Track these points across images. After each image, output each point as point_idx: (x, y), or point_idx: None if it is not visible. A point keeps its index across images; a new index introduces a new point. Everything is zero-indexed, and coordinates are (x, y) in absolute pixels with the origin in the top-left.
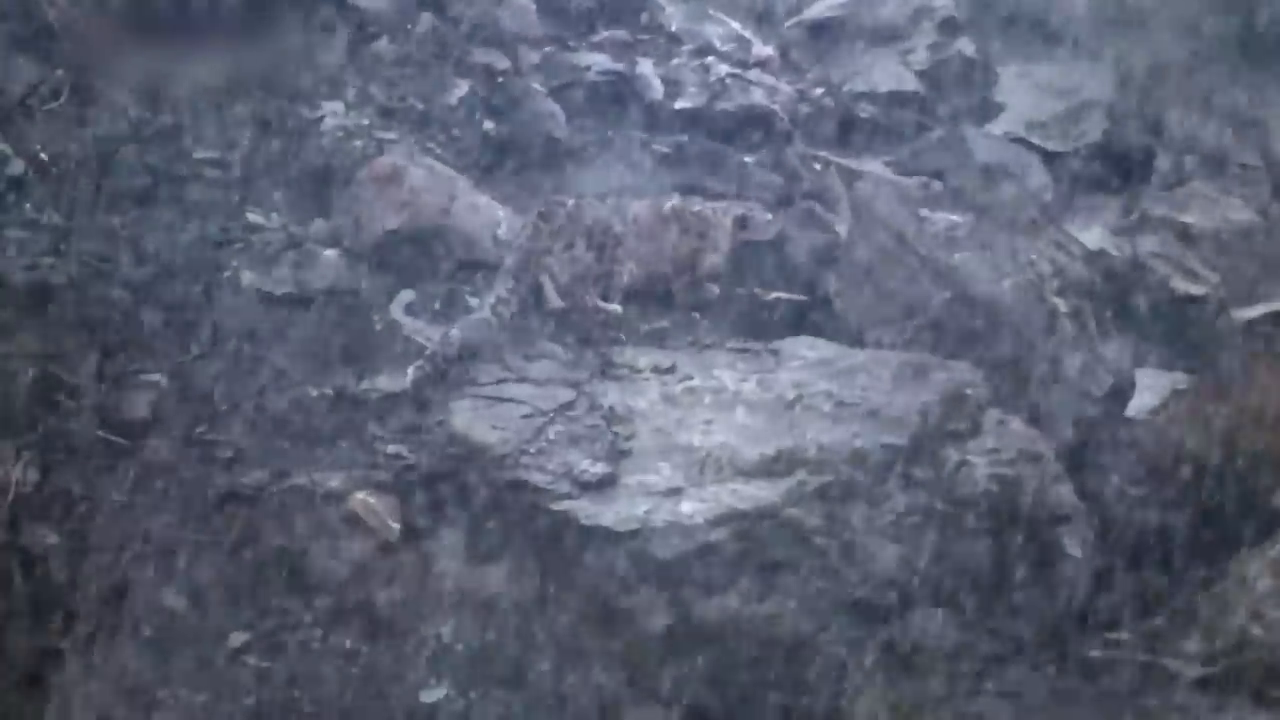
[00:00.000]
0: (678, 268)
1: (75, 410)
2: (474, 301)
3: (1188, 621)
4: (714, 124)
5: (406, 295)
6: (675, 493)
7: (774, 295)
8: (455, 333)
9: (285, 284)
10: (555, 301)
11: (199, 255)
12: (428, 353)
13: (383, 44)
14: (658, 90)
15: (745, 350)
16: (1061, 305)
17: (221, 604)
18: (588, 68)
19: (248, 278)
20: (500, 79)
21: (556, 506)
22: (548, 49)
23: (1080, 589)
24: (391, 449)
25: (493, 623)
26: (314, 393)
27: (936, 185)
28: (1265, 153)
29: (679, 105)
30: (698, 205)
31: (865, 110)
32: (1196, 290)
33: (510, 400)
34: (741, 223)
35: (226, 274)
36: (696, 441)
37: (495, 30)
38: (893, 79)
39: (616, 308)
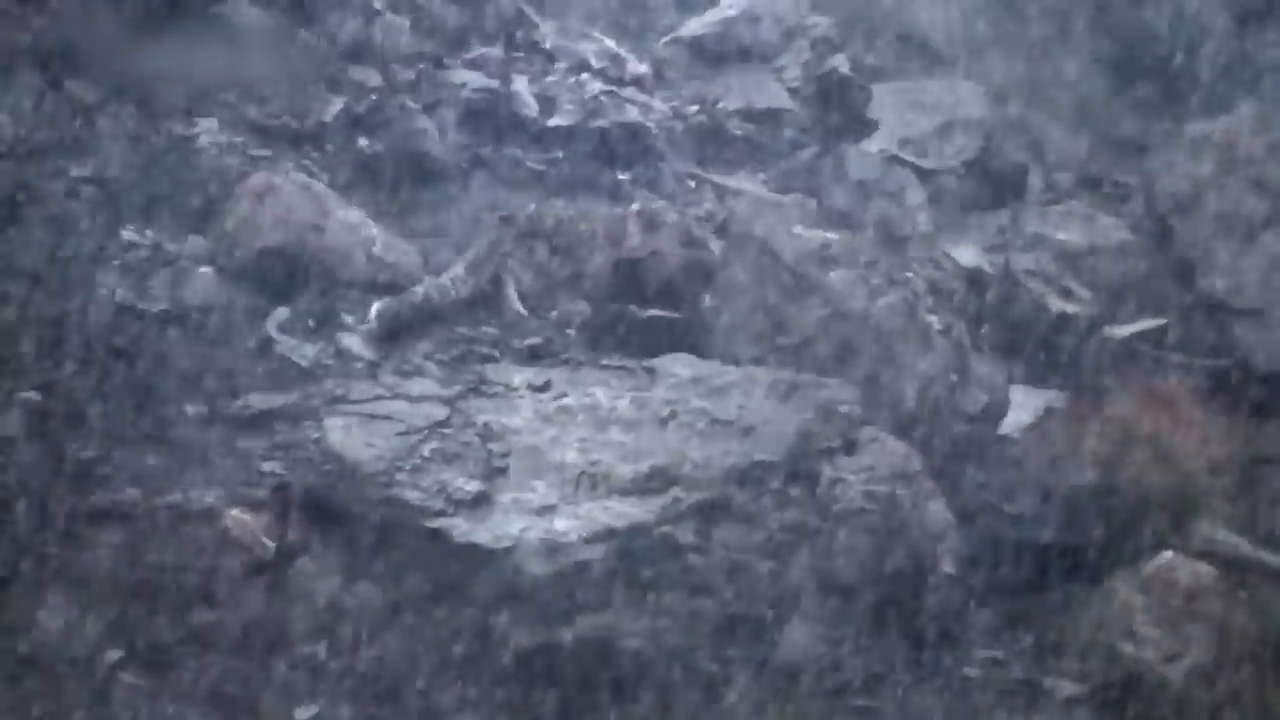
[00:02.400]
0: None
1: None
2: (349, 319)
3: (1062, 639)
4: (588, 141)
5: (281, 312)
6: (549, 510)
7: (649, 313)
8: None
9: (160, 301)
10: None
11: (73, 272)
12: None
13: (257, 61)
14: (532, 107)
15: (620, 368)
16: (936, 323)
17: (96, 621)
18: (462, 85)
19: (122, 295)
20: (374, 96)
21: (430, 524)
22: (421, 66)
23: (955, 606)
24: (266, 466)
25: (367, 640)
26: (188, 410)
27: (811, 203)
28: (1141, 171)
29: (553, 122)
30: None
31: (740, 128)
32: (1071, 308)
33: (385, 417)
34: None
35: (101, 291)
36: (571, 459)
37: (369, 47)
38: (767, 96)
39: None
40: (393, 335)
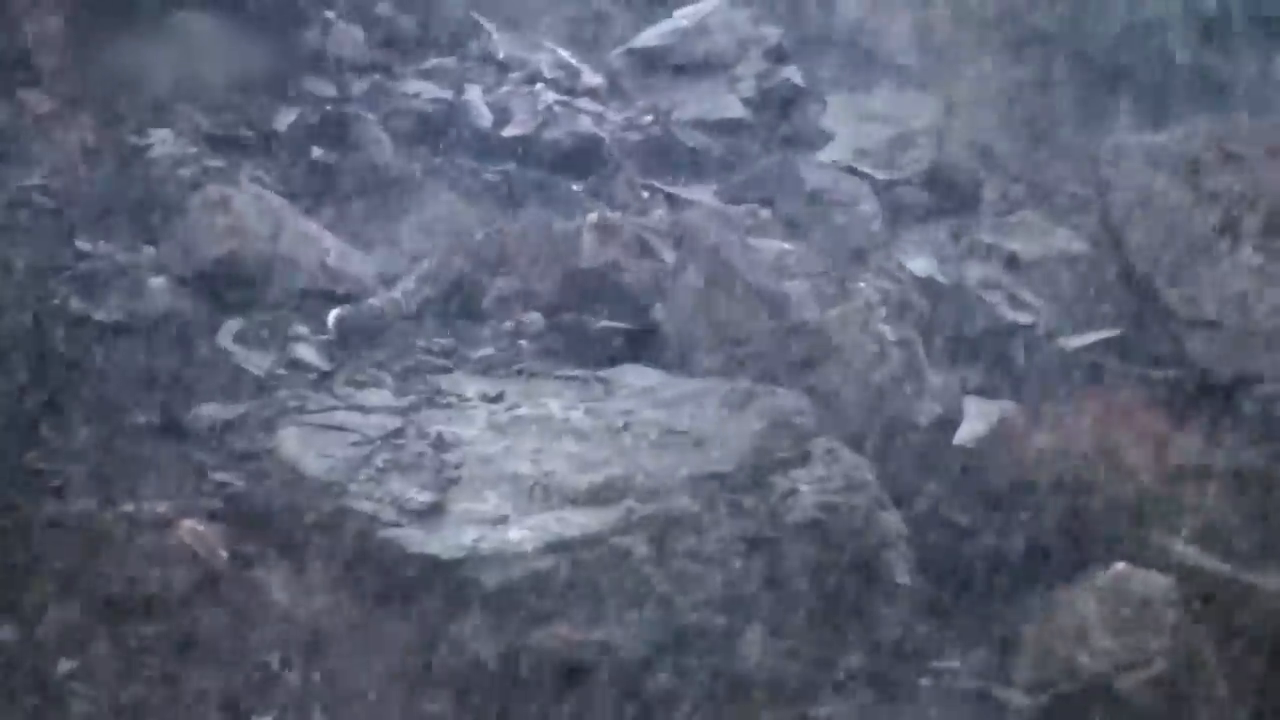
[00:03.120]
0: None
1: None
2: (302, 329)
3: (1016, 650)
4: (542, 151)
5: (234, 323)
6: (503, 521)
7: (602, 323)
8: (375, 301)
9: (114, 312)
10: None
11: (27, 283)
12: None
13: (211, 71)
14: (486, 118)
15: (573, 378)
16: (889, 333)
17: (49, 632)
18: (416, 95)
19: (76, 305)
20: (328, 106)
21: (384, 534)
22: (376, 76)
23: (908, 617)
24: (220, 477)
25: (321, 651)
26: (142, 420)
27: (765, 213)
28: (1094, 181)
29: (507, 133)
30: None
31: (693, 138)
32: (1024, 318)
33: (338, 428)
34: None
35: (55, 302)
36: (524, 470)
37: (323, 57)
38: (721, 107)
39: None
40: (349, 344)
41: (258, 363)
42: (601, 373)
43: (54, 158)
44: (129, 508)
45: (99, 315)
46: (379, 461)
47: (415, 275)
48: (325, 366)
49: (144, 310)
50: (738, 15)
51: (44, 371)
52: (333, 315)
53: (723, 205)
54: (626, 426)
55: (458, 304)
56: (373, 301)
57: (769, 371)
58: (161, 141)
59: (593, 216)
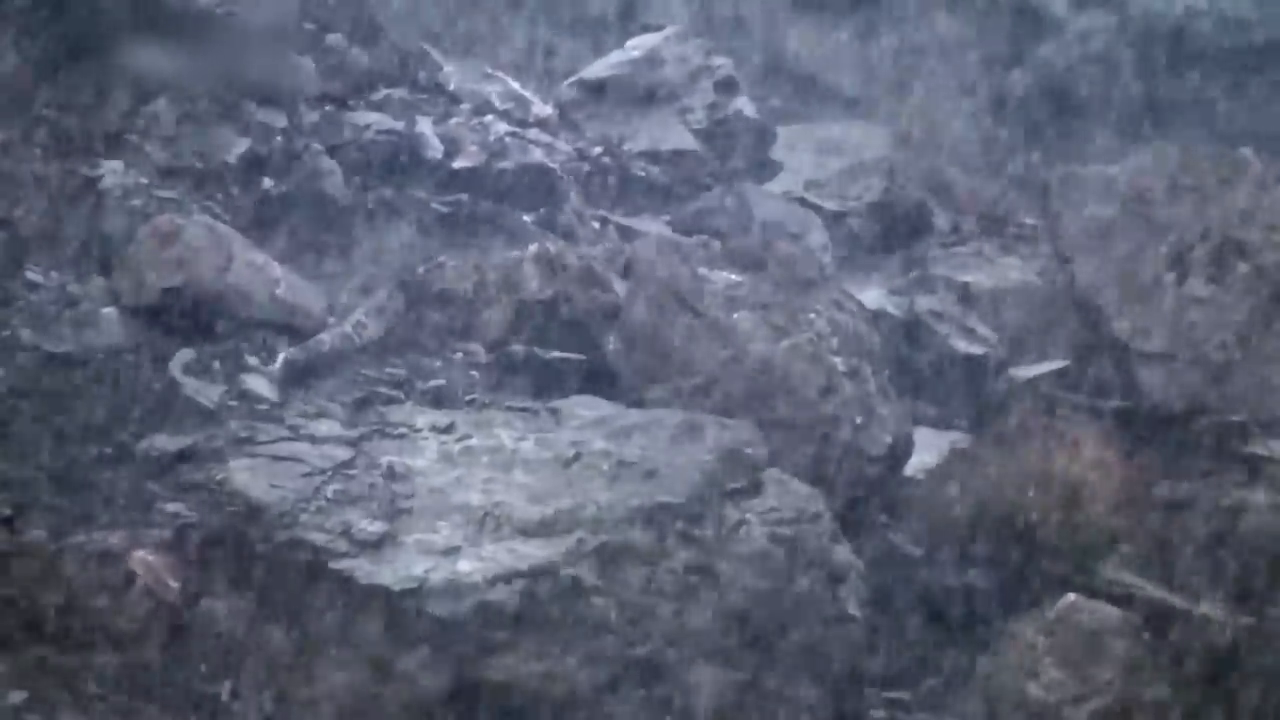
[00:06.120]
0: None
1: None
2: (253, 360)
3: (967, 682)
4: (493, 182)
5: (185, 354)
6: (453, 551)
7: (553, 354)
8: (324, 337)
9: (64, 342)
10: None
11: None
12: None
13: (162, 103)
14: (436, 149)
15: (524, 409)
16: (840, 364)
17: (0, 663)
18: (366, 126)
19: (26, 336)
20: (279, 137)
21: (335, 565)
22: (327, 108)
23: (860, 649)
24: (171, 507)
25: (271, 681)
26: (93, 451)
27: (715, 244)
28: (1045, 212)
29: (458, 164)
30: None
31: (644, 169)
32: (975, 350)
33: (289, 458)
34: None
35: (5, 333)
36: (475, 500)
37: (274, 88)
38: (672, 138)
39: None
40: (298, 382)
41: (208, 394)
42: (552, 404)
43: (4, 188)
44: (80, 538)
45: (49, 346)
46: (330, 492)
47: (364, 309)
48: (276, 398)
49: (95, 341)
50: (689, 47)
51: None
52: (280, 359)
53: (674, 236)
54: (577, 457)
55: (404, 336)
56: (322, 337)
57: (720, 403)
58: (112, 172)
59: (533, 248)
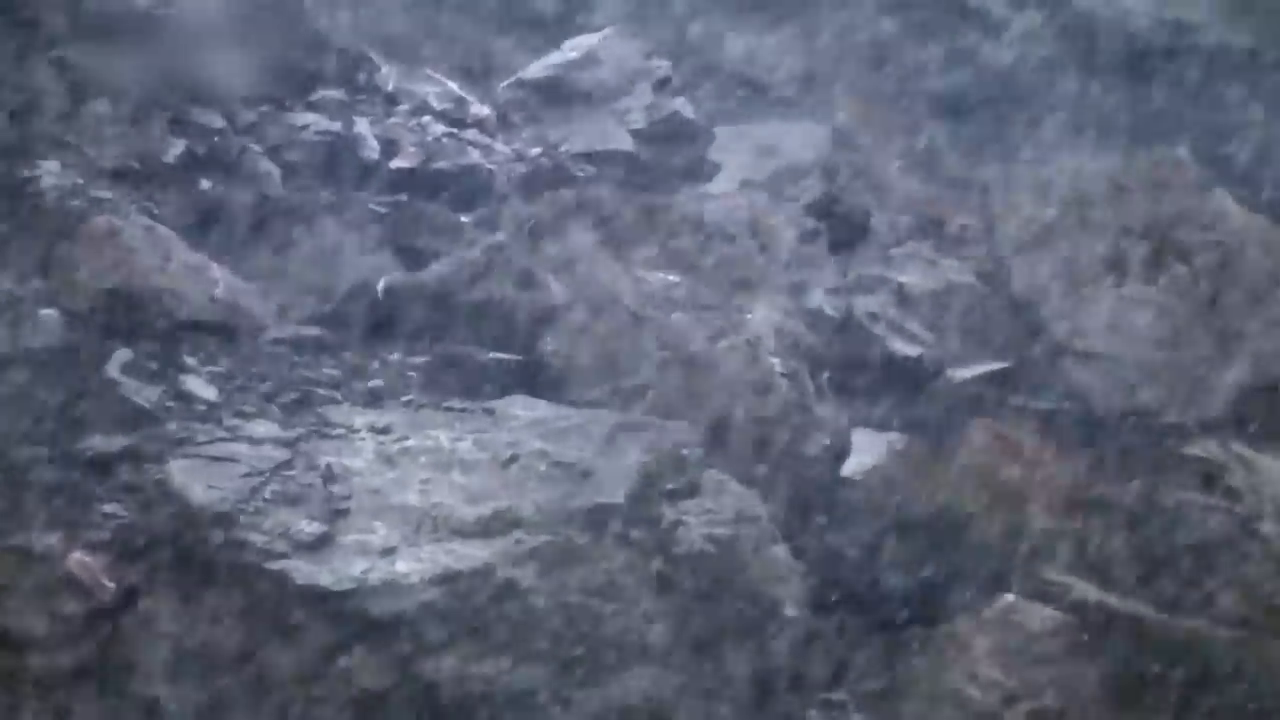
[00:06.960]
0: None
1: None
2: (190, 361)
3: (906, 683)
4: (430, 183)
5: (122, 354)
6: (391, 552)
7: (489, 355)
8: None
9: (2, 343)
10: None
11: None
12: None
13: (100, 103)
14: (374, 149)
15: (461, 410)
16: (778, 365)
17: None
18: (304, 127)
19: None
20: (216, 138)
21: (273, 566)
22: (264, 108)
23: (797, 650)
24: (108, 508)
25: (210, 683)
26: (30, 452)
27: (653, 245)
28: (984, 213)
29: (395, 164)
30: None
31: (582, 170)
32: (913, 351)
33: (227, 459)
34: None
35: None
36: (413, 501)
37: (212, 88)
38: (610, 139)
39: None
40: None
41: (146, 394)
42: (489, 404)
43: None
44: (18, 540)
45: None
46: (267, 493)
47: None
48: (213, 398)
49: (32, 342)
50: (627, 47)
51: None
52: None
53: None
54: (514, 458)
55: (342, 335)
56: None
57: (657, 403)
58: (50, 173)
59: (475, 250)
